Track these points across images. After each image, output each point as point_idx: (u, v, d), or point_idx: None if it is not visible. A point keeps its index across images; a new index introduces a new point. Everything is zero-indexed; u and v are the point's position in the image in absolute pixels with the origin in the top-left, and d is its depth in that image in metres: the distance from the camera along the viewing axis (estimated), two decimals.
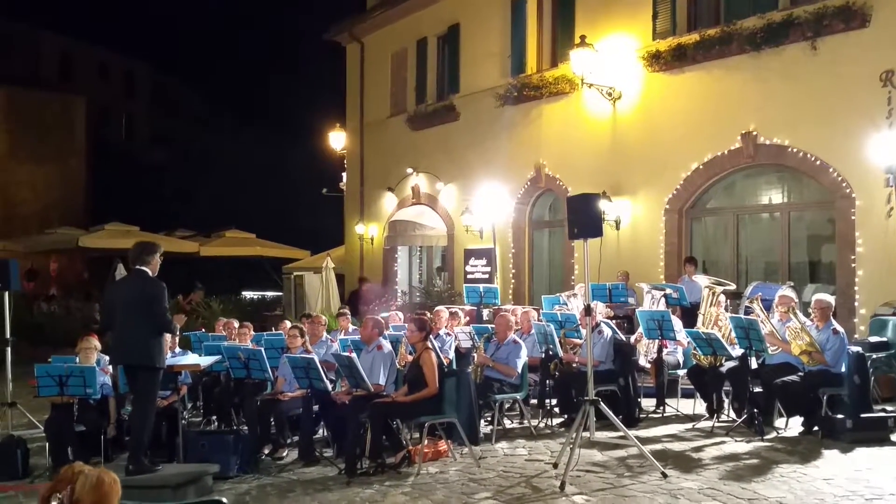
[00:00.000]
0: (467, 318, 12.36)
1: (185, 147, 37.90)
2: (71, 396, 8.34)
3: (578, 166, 15.10)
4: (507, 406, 10.17)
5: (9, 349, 9.86)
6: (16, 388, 9.72)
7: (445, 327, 10.93)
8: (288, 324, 11.57)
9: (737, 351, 9.09)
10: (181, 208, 29.77)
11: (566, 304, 12.49)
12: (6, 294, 9.92)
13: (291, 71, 54.63)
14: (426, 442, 8.27)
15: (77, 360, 9.00)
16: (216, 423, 10.07)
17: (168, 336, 8.34)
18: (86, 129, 33.20)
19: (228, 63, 55.54)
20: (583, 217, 7.84)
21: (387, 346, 8.91)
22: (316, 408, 8.86)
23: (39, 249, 24.23)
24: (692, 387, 9.99)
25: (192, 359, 9.21)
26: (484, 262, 16.66)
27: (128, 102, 41.67)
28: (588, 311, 8.16)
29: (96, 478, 3.03)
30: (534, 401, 10.44)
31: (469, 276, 16.70)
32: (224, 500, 3.87)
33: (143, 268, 7.43)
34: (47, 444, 8.38)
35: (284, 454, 8.83)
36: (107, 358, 8.84)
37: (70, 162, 32.26)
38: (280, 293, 22.52)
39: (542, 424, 9.87)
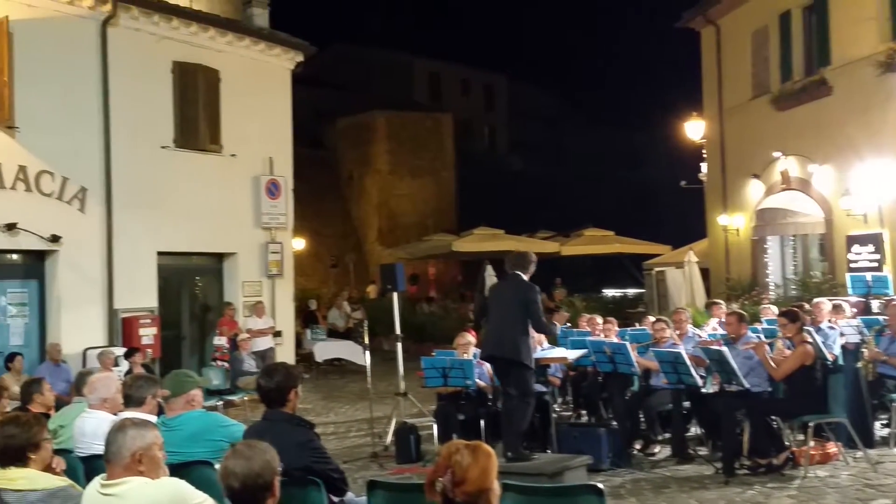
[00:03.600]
0: (854, 311, 11.18)
1: (541, 150, 39.21)
2: (453, 387, 8.96)
3: None
4: None
5: (399, 345, 10.86)
6: (406, 380, 10.66)
7: (828, 320, 9.98)
8: (651, 318, 11.39)
9: None
10: (541, 210, 30.79)
11: None
12: (395, 295, 10.96)
13: (637, 63, 54.20)
14: (812, 443, 7.64)
15: (456, 354, 9.67)
16: (586, 417, 10.23)
17: (536, 334, 8.67)
18: (454, 143, 35.75)
19: (576, 63, 56.64)
20: None
21: (756, 340, 8.37)
22: (687, 404, 8.60)
23: (419, 256, 26.49)
24: None
25: (559, 352, 9.43)
26: (870, 248, 14.94)
27: (488, 114, 44.24)
28: None
29: (474, 452, 2.98)
30: None
31: (853, 265, 15.12)
32: (601, 485, 3.84)
33: (520, 273, 7.84)
34: (435, 431, 9.08)
35: (656, 450, 8.69)
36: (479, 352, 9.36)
37: (441, 174, 34.93)
38: (641, 290, 22.28)
39: None
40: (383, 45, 39.88)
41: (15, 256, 12.87)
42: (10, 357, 11.32)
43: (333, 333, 19.95)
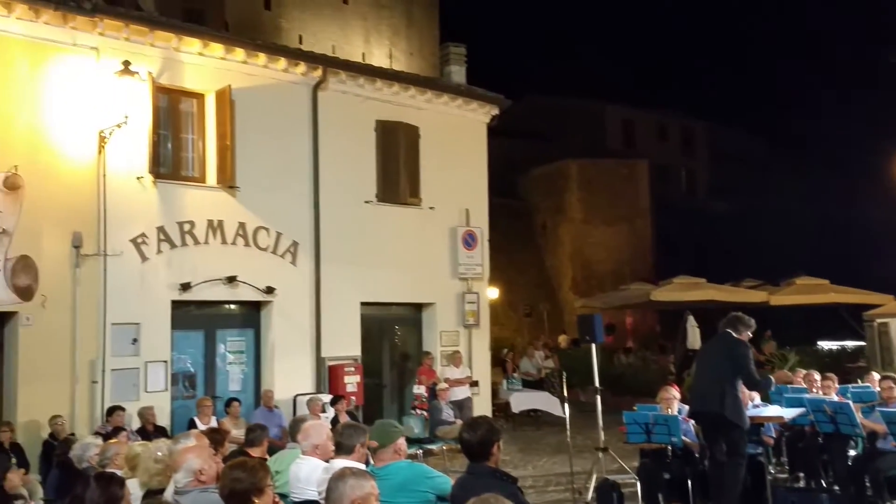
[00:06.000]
0: None
1: (745, 195, 37.52)
2: (657, 443, 8.60)
3: None
4: None
5: (598, 397, 10.61)
6: (606, 434, 10.36)
7: None
8: (876, 375, 10.51)
9: None
10: (746, 257, 29.32)
11: None
12: (593, 346, 10.76)
13: (852, 98, 50.96)
14: None
15: (659, 408, 9.29)
16: (804, 480, 9.48)
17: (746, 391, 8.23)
18: (649, 189, 35.00)
19: (783, 100, 54.04)
20: None
21: None
22: None
23: (615, 305, 25.89)
24: None
25: (773, 410, 8.84)
26: None
27: (686, 159, 43.04)
28: None
29: None
30: None
31: None
32: None
33: (731, 332, 7.60)
34: (639, 489, 8.73)
35: None
36: (686, 407, 8.97)
37: (637, 221, 34.24)
38: (861, 343, 20.56)
39: None
40: (575, 93, 40.01)
41: (234, 307, 13.81)
42: (228, 402, 12.12)
43: (526, 383, 19.86)
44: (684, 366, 18.21)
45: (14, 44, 11.30)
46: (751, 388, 7.79)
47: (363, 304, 14.75)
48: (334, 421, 10.85)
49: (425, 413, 13.70)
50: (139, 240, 12.18)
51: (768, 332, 21.31)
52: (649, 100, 41.92)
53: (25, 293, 11.11)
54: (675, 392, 9.41)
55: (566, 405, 10.83)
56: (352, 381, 13.87)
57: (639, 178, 34.84)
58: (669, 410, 9.03)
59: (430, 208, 15.74)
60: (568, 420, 10.50)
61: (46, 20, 11.43)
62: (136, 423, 11.25)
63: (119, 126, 11.80)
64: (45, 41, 11.53)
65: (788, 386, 11.02)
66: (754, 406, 8.83)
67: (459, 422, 12.52)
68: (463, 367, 15.25)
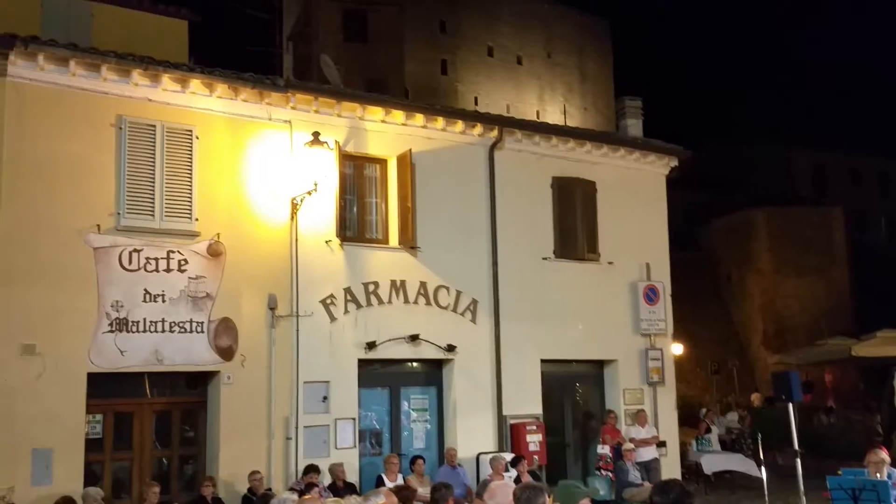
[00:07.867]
0: None
1: None
2: None
3: None
4: None
5: (798, 460, 9.93)
6: (808, 500, 9.66)
7: None
8: None
9: None
10: None
11: None
12: (790, 405, 10.11)
13: None
14: None
15: (866, 473, 8.58)
16: None
17: None
18: (845, 237, 32.91)
19: None
20: None
21: None
22: None
23: (811, 361, 24.37)
24: None
25: None
26: None
27: (885, 202, 40.21)
28: None
29: None
30: None
31: None
32: None
33: None
34: None
35: None
36: None
37: (832, 272, 32.20)
38: None
39: None
40: (757, 139, 38.60)
41: (416, 365, 14.07)
42: (413, 459, 12.30)
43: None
44: (893, 426, 16.72)
45: (216, 121, 12.29)
46: None
47: (543, 361, 14.63)
48: (517, 481, 10.74)
49: (611, 474, 13.32)
50: (328, 301, 12.74)
51: None
52: (839, 142, 39.72)
53: (227, 353, 11.87)
54: (884, 455, 8.66)
55: (763, 469, 10.19)
56: (534, 440, 13.72)
57: (833, 225, 32.91)
58: (878, 475, 8.32)
59: (609, 263, 15.49)
60: (766, 484, 9.86)
61: (244, 98, 12.37)
62: (326, 480, 11.59)
63: (309, 193, 12.48)
64: (244, 117, 12.46)
65: None
66: None
67: (647, 484, 12.08)
68: (649, 426, 14.75)
